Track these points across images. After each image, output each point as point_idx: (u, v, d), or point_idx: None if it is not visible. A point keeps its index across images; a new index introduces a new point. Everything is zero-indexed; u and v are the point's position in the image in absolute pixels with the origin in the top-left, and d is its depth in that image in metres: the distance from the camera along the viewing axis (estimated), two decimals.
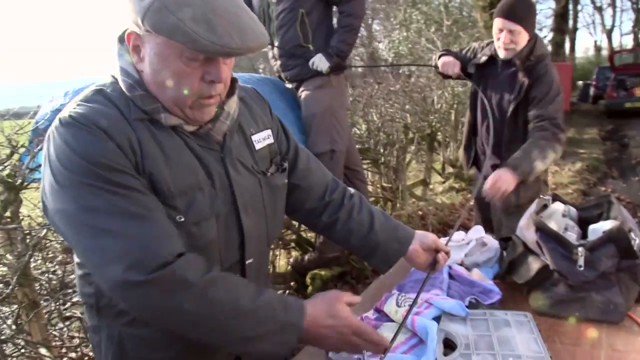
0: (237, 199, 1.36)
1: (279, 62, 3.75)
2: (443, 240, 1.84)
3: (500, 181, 2.68)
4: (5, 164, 2.55)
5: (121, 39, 1.29)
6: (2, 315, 2.72)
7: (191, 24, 1.11)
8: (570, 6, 25.38)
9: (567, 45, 27.52)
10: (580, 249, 1.71)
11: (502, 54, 2.95)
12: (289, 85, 3.83)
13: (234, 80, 1.41)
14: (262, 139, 1.50)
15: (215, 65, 1.22)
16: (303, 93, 3.69)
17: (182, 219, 1.25)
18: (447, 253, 1.71)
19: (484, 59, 3.08)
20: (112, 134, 1.17)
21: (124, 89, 1.26)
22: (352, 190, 1.73)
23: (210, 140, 1.34)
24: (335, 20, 3.80)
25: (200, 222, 1.28)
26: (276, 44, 3.70)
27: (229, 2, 1.17)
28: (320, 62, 3.58)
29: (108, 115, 1.20)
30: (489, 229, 3.06)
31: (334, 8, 3.77)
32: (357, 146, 4.72)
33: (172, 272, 1.13)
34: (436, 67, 3.33)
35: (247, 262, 1.43)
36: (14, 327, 2.69)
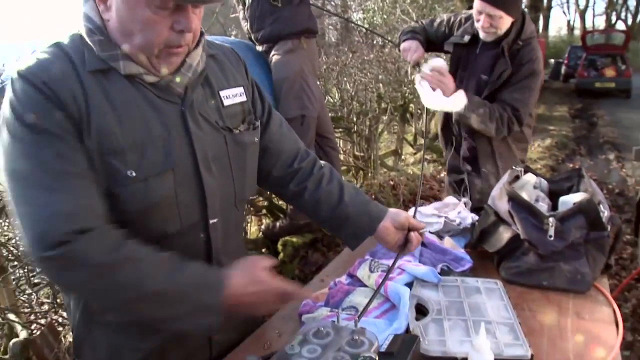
0: (196, 154, 1.31)
1: (249, 23, 3.68)
2: (411, 212, 1.83)
3: (447, 79, 2.73)
4: None
5: None
6: None
7: None
8: None
9: (541, 23, 27.66)
10: (551, 219, 1.74)
11: (483, 36, 2.81)
12: (259, 48, 3.77)
13: (200, 34, 1.37)
14: (232, 96, 1.46)
15: (184, 15, 1.19)
16: (274, 57, 3.62)
17: (134, 174, 1.21)
18: (421, 234, 1.64)
19: (467, 38, 2.92)
20: (53, 86, 1.14)
21: (84, 34, 1.23)
22: (323, 162, 1.69)
23: (170, 93, 1.29)
24: None
25: (151, 177, 1.24)
26: (247, 4, 3.62)
27: None
28: None
29: (54, 68, 1.17)
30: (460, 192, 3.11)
31: None
32: (330, 114, 4.70)
33: (69, 251, 1.09)
34: (399, 46, 3.16)
35: (211, 221, 1.38)
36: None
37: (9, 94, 1.16)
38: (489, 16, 2.70)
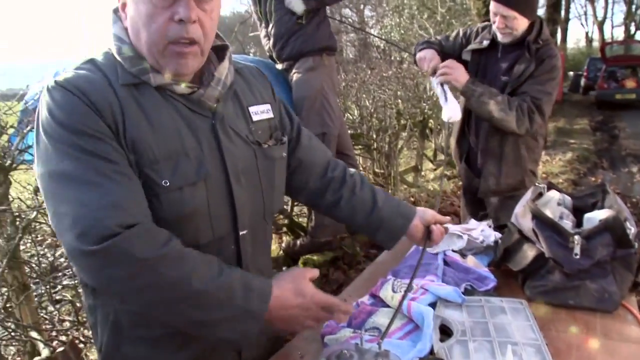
0: (227, 166, 1.34)
1: (272, 41, 3.70)
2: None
3: (456, 69, 2.73)
4: None
5: (115, 10, 1.32)
6: None
7: None
8: None
9: (559, 35, 27.53)
10: (576, 237, 1.71)
11: (500, 38, 2.83)
12: (279, 67, 3.79)
13: (224, 48, 1.42)
14: (260, 112, 1.49)
15: (182, 3, 1.20)
16: (295, 75, 3.65)
17: (167, 183, 1.23)
18: (445, 229, 1.75)
19: (485, 42, 2.92)
20: (92, 97, 1.17)
21: (114, 53, 1.28)
22: (351, 169, 1.74)
23: (202, 106, 1.33)
24: None
25: (185, 187, 1.26)
26: (272, 23, 3.65)
27: None
28: (295, 3, 3.51)
29: (92, 80, 1.21)
30: (477, 212, 3.07)
31: None
32: (349, 132, 4.70)
33: (117, 245, 1.09)
34: (415, 57, 3.16)
35: (241, 233, 1.40)
36: (3, 310, 2.67)
37: (46, 101, 1.19)
38: (503, 17, 2.74)
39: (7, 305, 2.69)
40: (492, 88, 2.74)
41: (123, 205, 1.14)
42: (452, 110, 2.78)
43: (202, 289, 1.16)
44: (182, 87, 1.29)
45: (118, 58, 1.27)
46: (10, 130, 2.60)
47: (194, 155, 1.28)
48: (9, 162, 2.50)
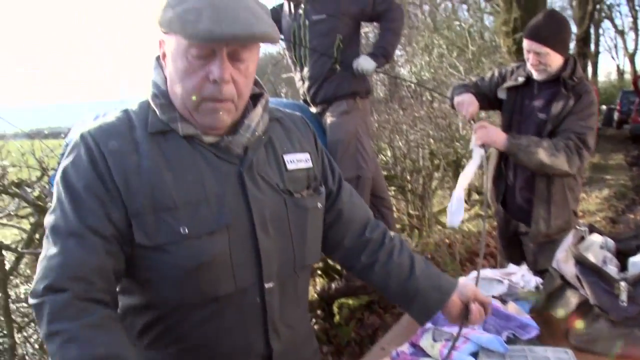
0: (253, 214, 1.30)
1: (306, 84, 3.74)
2: (471, 276, 1.77)
3: (492, 131, 2.67)
4: (35, 186, 2.57)
5: (158, 57, 1.34)
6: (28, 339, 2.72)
7: (183, 13, 1.14)
8: (592, 30, 25.33)
9: (590, 69, 27.37)
10: (622, 283, 1.67)
11: (535, 75, 2.81)
12: (314, 110, 3.82)
13: (259, 95, 1.41)
14: (297, 161, 1.45)
15: (216, 63, 1.20)
16: (328, 119, 3.67)
17: (186, 231, 1.22)
18: (485, 307, 1.55)
19: (521, 79, 2.90)
20: (108, 158, 1.21)
21: (149, 100, 1.30)
22: (393, 233, 1.64)
23: (230, 153, 1.31)
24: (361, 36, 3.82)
25: (204, 234, 1.24)
26: (306, 66, 3.70)
27: (234, 1, 1.18)
28: (365, 62, 3.55)
29: (114, 135, 1.24)
30: (514, 256, 3.01)
31: (362, 24, 3.79)
32: (383, 173, 4.69)
33: (37, 306, 1.15)
34: (452, 101, 3.13)
35: (267, 286, 1.34)
36: (37, 346, 2.68)
37: (71, 153, 1.24)
38: (536, 54, 2.72)
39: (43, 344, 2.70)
40: (533, 137, 2.71)
41: (58, 269, 1.15)
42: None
43: None
44: (210, 138, 1.30)
45: (152, 105, 1.29)
46: (52, 172, 2.65)
47: (216, 202, 1.26)
48: (49, 203, 2.54)
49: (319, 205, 1.49)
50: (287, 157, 1.43)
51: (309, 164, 1.48)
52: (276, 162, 1.41)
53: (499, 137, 2.71)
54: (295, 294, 1.46)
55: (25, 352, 2.77)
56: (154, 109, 1.29)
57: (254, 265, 1.32)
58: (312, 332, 1.68)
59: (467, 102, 2.96)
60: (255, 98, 1.41)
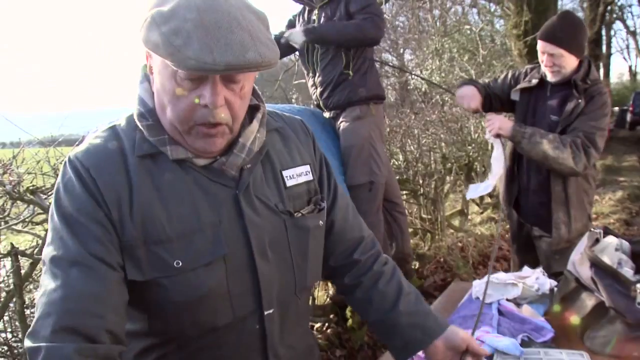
0: (251, 241, 1.23)
1: (319, 90, 3.74)
2: (481, 280, 1.74)
3: (499, 120, 2.69)
4: (50, 193, 2.58)
5: (145, 67, 1.23)
6: None
7: (172, 37, 1.02)
8: (604, 31, 25.20)
9: (602, 71, 27.22)
10: (638, 285, 1.66)
11: (550, 77, 2.81)
12: (327, 115, 3.83)
13: (254, 108, 1.30)
14: (297, 175, 1.36)
15: (207, 88, 1.09)
16: (342, 124, 3.68)
17: (180, 264, 1.15)
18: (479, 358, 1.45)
19: (534, 81, 2.90)
20: (99, 186, 1.12)
21: (135, 117, 1.21)
22: (388, 258, 1.55)
23: (224, 176, 1.22)
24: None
25: (200, 267, 1.17)
26: (318, 72, 3.71)
27: (226, 16, 1.04)
28: (296, 34, 3.55)
29: (104, 158, 1.16)
30: (527, 260, 2.98)
31: None
32: (395, 177, 4.69)
33: (34, 350, 1.02)
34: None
35: (267, 312, 1.28)
36: None
37: (60, 178, 1.16)
38: (550, 55, 2.73)
39: None
40: (540, 129, 2.71)
41: (73, 304, 1.06)
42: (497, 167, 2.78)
43: None
44: (202, 161, 1.21)
45: (138, 124, 1.20)
46: None
47: (211, 232, 1.19)
48: None
49: (321, 223, 1.41)
50: (287, 173, 1.35)
51: (309, 177, 1.40)
52: (274, 179, 1.33)
53: (506, 125, 2.71)
54: (295, 315, 1.40)
55: None
56: (141, 128, 1.19)
57: (253, 294, 1.26)
58: (315, 343, 1.61)
59: (469, 96, 3.00)
60: (251, 110, 1.29)
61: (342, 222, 1.49)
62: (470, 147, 6.99)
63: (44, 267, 1.11)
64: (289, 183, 1.34)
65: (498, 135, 2.78)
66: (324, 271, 1.50)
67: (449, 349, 1.41)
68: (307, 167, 1.40)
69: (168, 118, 1.15)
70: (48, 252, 1.11)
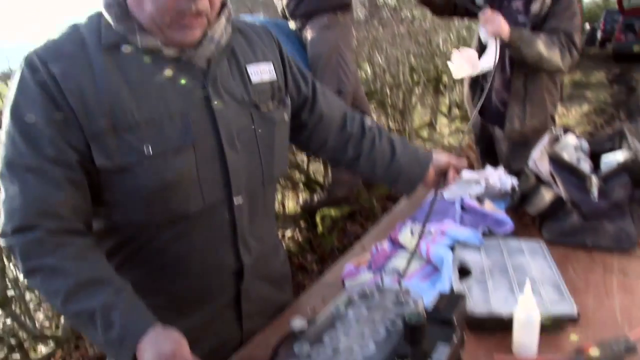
0: (220, 130, 1.26)
1: (285, 0, 3.66)
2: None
3: (500, 21, 2.60)
4: None
5: None
6: None
7: None
8: None
9: None
10: (594, 178, 1.72)
11: None
12: (292, 26, 3.76)
13: (223, 5, 1.31)
14: (261, 72, 1.39)
15: None
16: (309, 33, 3.61)
17: (150, 149, 1.17)
18: (458, 170, 1.67)
19: None
20: (59, 81, 1.12)
21: (103, 9, 1.20)
22: (366, 116, 1.69)
23: (192, 67, 1.24)
24: None
25: (169, 152, 1.20)
26: None
27: None
28: None
29: (64, 53, 1.15)
30: (492, 162, 3.03)
31: None
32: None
33: (8, 247, 1.13)
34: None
35: (237, 203, 1.33)
36: None
37: (17, 80, 1.15)
38: None
39: None
40: (531, 31, 2.67)
41: (23, 208, 1.11)
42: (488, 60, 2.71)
43: (70, 312, 1.11)
44: (171, 50, 1.21)
45: (105, 15, 1.19)
46: None
47: (180, 119, 1.21)
48: None
49: (286, 117, 1.46)
50: (251, 69, 1.38)
51: (273, 76, 1.43)
52: (240, 74, 1.35)
53: (505, 27, 2.63)
54: (263, 207, 1.46)
55: None
56: (107, 20, 1.19)
57: (222, 182, 1.30)
58: (280, 243, 1.70)
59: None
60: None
61: (327, 106, 1.60)
62: (439, 61, 6.97)
63: (1, 170, 1.14)
64: (254, 79, 1.37)
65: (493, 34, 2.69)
66: (327, 151, 1.64)
67: (437, 173, 1.64)
68: (271, 65, 1.43)
69: (147, 11, 1.15)
70: (3, 155, 1.13)
